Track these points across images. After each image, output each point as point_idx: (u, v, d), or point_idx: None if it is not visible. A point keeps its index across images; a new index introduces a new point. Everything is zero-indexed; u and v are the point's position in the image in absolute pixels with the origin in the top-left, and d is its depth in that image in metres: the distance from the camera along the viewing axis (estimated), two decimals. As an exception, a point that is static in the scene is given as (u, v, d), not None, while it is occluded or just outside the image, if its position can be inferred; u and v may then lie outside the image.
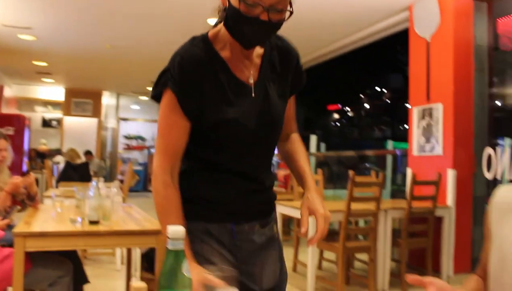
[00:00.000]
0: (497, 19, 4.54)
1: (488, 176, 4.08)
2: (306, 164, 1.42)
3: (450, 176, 4.37)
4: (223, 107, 1.27)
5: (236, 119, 1.27)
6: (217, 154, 1.31)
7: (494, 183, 4.10)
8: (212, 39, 1.30)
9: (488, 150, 4.06)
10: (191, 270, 1.01)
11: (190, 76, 1.24)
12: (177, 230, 0.81)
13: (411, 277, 1.03)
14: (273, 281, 1.40)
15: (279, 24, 1.23)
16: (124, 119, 14.37)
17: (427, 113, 4.66)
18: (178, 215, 1.23)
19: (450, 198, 4.36)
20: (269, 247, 1.41)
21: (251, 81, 1.31)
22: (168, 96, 1.25)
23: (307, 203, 1.30)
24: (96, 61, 8.48)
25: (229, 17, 1.21)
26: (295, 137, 1.49)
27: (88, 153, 10.24)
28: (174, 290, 0.80)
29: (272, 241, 1.43)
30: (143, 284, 0.61)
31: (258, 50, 1.35)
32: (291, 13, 1.23)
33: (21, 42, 7.01)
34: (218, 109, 1.26)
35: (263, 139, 1.35)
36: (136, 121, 14.63)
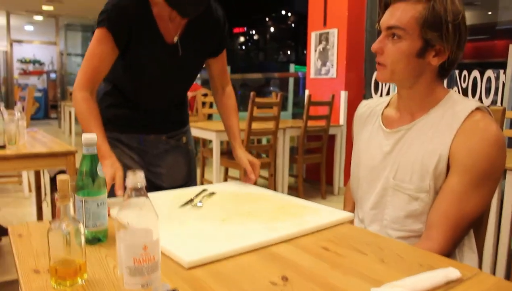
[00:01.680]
0: None
1: (375, 97, 4.52)
2: (236, 122, 1.73)
3: (343, 97, 4.77)
4: (139, 53, 1.52)
5: (146, 64, 1.56)
6: (127, 85, 1.64)
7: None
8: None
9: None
10: (105, 166, 1.26)
11: (121, 19, 1.45)
12: (90, 137, 0.95)
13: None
14: (181, 180, 1.76)
15: None
16: (18, 41, 13.28)
17: (323, 38, 4.94)
18: (98, 124, 1.43)
19: (342, 117, 4.80)
20: (175, 153, 1.77)
21: (174, 39, 1.54)
22: (100, 31, 1.45)
23: (247, 156, 1.62)
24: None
25: None
26: (230, 93, 1.78)
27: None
28: (91, 190, 0.96)
29: (178, 149, 1.78)
30: (66, 175, 0.75)
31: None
32: None
33: None
34: (134, 53, 1.52)
35: (169, 85, 1.66)
36: (31, 44, 13.63)
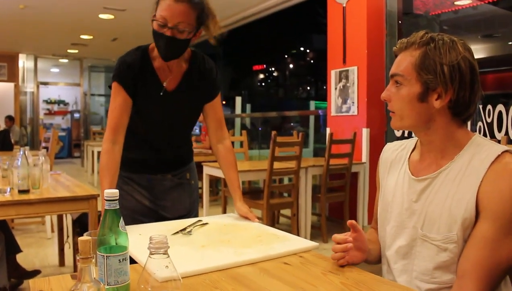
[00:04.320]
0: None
1: (398, 133, 4.47)
2: (236, 176, 1.89)
3: (364, 134, 4.73)
4: (145, 100, 1.77)
5: (151, 109, 1.80)
6: (140, 128, 1.84)
7: (404, 139, 4.50)
8: (150, 50, 1.78)
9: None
10: None
11: (127, 72, 1.73)
12: (112, 192, 0.94)
13: (350, 221, 1.26)
14: (183, 211, 1.95)
15: (185, 41, 1.67)
16: (44, 83, 13.68)
17: (343, 76, 4.95)
18: (111, 180, 1.66)
19: (364, 154, 4.74)
20: (179, 188, 1.95)
21: (170, 87, 1.79)
22: (114, 85, 1.74)
23: (246, 208, 1.80)
24: (9, 23, 8.01)
25: (153, 34, 1.67)
26: (229, 147, 1.94)
27: (9, 118, 9.75)
28: (113, 246, 0.95)
29: (182, 185, 1.97)
30: (88, 237, 0.74)
31: (183, 66, 1.81)
32: (197, 29, 1.69)
33: None
34: (142, 100, 1.77)
35: (171, 127, 1.87)
36: (56, 85, 14.02)
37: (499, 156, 1.11)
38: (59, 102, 14.49)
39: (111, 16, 7.43)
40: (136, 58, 1.76)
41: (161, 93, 1.77)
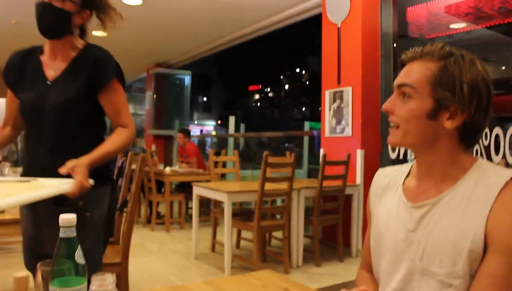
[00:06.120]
0: (407, 8, 4.83)
1: (393, 155, 4.38)
2: (106, 144, 1.65)
3: (359, 155, 4.63)
4: (25, 91, 1.68)
5: (28, 101, 1.66)
6: (25, 128, 1.73)
7: (399, 162, 4.41)
8: (44, 45, 1.73)
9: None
10: None
11: (10, 68, 1.73)
12: (68, 218, 0.83)
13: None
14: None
15: (64, 12, 1.60)
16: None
17: (338, 96, 4.88)
18: None
19: (358, 176, 4.64)
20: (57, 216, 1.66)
21: (52, 75, 1.67)
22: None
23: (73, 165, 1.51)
24: (1, 39, 7.93)
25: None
26: (120, 129, 1.71)
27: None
28: (69, 278, 0.83)
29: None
30: (25, 273, 0.63)
31: (70, 53, 1.69)
32: (80, 7, 1.64)
33: None
34: (23, 92, 1.68)
35: (51, 123, 1.64)
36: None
37: (507, 182, 1.01)
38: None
39: (104, 34, 7.38)
40: (20, 52, 1.74)
41: (42, 83, 1.66)
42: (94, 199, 1.66)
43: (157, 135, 9.93)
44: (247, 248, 4.96)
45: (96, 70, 1.66)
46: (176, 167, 6.57)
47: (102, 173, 1.68)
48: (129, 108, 1.77)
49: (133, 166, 2.83)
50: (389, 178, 1.25)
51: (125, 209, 2.95)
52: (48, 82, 1.66)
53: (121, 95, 1.72)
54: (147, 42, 8.07)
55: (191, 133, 7.11)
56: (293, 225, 4.21)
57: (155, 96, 9.89)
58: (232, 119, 7.89)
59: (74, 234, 0.84)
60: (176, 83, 10.22)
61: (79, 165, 1.45)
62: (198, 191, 4.29)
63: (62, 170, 1.43)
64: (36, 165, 1.65)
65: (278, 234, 4.72)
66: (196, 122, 22.14)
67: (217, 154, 5.97)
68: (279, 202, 5.18)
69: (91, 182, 1.48)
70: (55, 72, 1.67)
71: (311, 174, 7.11)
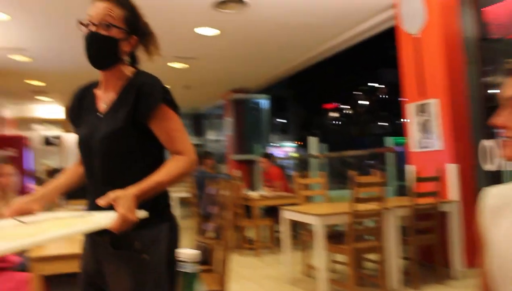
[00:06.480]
0: (482, 9, 4.58)
1: (487, 167, 4.12)
2: (158, 174, 1.49)
3: (452, 170, 4.40)
4: (81, 127, 1.66)
5: (81, 136, 1.63)
6: (81, 160, 1.68)
7: (498, 174, 4.13)
8: (100, 79, 1.68)
9: (485, 142, 4.08)
10: None
11: (70, 105, 1.73)
12: (191, 254, 0.85)
13: None
14: None
15: (111, 39, 1.56)
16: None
17: (422, 109, 4.70)
18: (58, 180, 1.72)
19: (454, 192, 4.38)
20: (117, 261, 1.55)
21: (103, 107, 1.63)
22: None
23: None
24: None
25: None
26: (176, 157, 1.56)
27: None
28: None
29: (122, 258, 1.54)
30: None
31: (119, 83, 1.63)
32: (127, 33, 1.60)
33: (13, 63, 7.08)
34: (80, 128, 1.66)
35: (99, 153, 1.57)
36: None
37: None
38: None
39: (183, 65, 7.70)
40: (80, 88, 1.74)
41: (94, 117, 1.62)
42: (151, 239, 1.53)
43: (239, 160, 10.10)
44: (340, 271, 4.85)
45: (140, 97, 1.56)
46: (261, 191, 6.63)
47: (160, 208, 1.59)
48: (186, 134, 1.61)
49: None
50: (504, 198, 1.17)
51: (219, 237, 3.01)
52: (99, 115, 1.62)
53: (173, 122, 1.59)
54: (225, 70, 8.31)
55: (275, 156, 7.15)
56: (388, 246, 4.07)
57: (234, 122, 10.09)
58: (313, 141, 7.85)
59: (196, 269, 0.86)
60: (254, 108, 10.37)
61: (122, 195, 1.34)
62: (287, 214, 4.29)
63: (101, 201, 1.33)
64: (91, 199, 1.55)
65: (373, 256, 4.58)
66: (274, 144, 22.31)
67: (302, 176, 5.95)
68: (368, 223, 5.04)
69: (140, 214, 1.37)
70: (106, 104, 1.63)
71: (400, 191, 6.85)
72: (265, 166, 6.73)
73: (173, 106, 1.61)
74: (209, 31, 5.90)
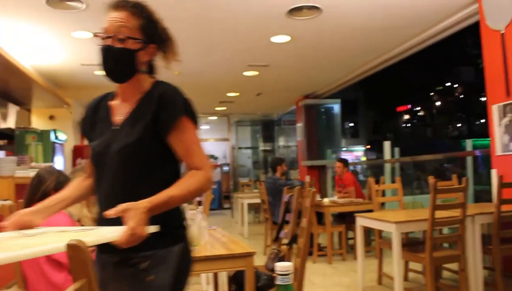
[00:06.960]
0: None
1: None
2: (173, 189, 1.42)
3: (542, 174, 4.09)
4: (95, 140, 1.60)
5: (95, 149, 1.57)
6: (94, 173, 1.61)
7: None
8: (117, 90, 1.64)
9: None
10: None
11: (84, 116, 1.69)
12: (286, 266, 0.83)
13: None
14: None
15: (128, 51, 1.50)
16: (196, 141, 14.65)
17: (509, 110, 4.41)
18: (64, 193, 1.67)
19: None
20: (120, 281, 1.51)
21: (119, 120, 1.57)
22: None
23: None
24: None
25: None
26: (193, 172, 1.50)
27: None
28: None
29: (126, 277, 1.49)
30: None
31: (137, 95, 1.57)
32: (144, 42, 1.53)
33: (97, 78, 7.46)
34: (94, 141, 1.60)
35: (112, 166, 1.51)
36: (207, 141, 14.96)
37: None
38: (210, 157, 15.40)
39: (255, 73, 7.74)
40: (94, 100, 1.69)
41: (108, 130, 1.56)
42: (159, 260, 1.45)
43: (310, 165, 10.03)
44: (416, 280, 4.66)
45: (160, 109, 1.50)
46: (334, 197, 6.52)
47: (172, 228, 1.51)
48: (202, 149, 1.55)
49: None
50: None
51: (294, 244, 2.98)
52: (114, 128, 1.55)
53: (192, 135, 1.53)
54: (296, 76, 8.26)
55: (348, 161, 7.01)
56: (469, 255, 3.84)
57: (305, 127, 10.04)
58: (387, 144, 7.61)
59: (290, 281, 0.85)
60: (326, 113, 10.26)
61: (133, 207, 1.26)
62: (362, 221, 4.17)
63: (110, 212, 1.25)
64: (102, 212, 1.47)
65: (453, 266, 4.35)
66: (345, 148, 21.97)
67: (377, 182, 5.79)
68: (446, 231, 4.80)
69: (151, 229, 1.30)
70: (121, 116, 1.56)
71: (478, 196, 6.48)
72: (340, 171, 6.62)
73: (194, 118, 1.56)
74: (282, 38, 5.88)
